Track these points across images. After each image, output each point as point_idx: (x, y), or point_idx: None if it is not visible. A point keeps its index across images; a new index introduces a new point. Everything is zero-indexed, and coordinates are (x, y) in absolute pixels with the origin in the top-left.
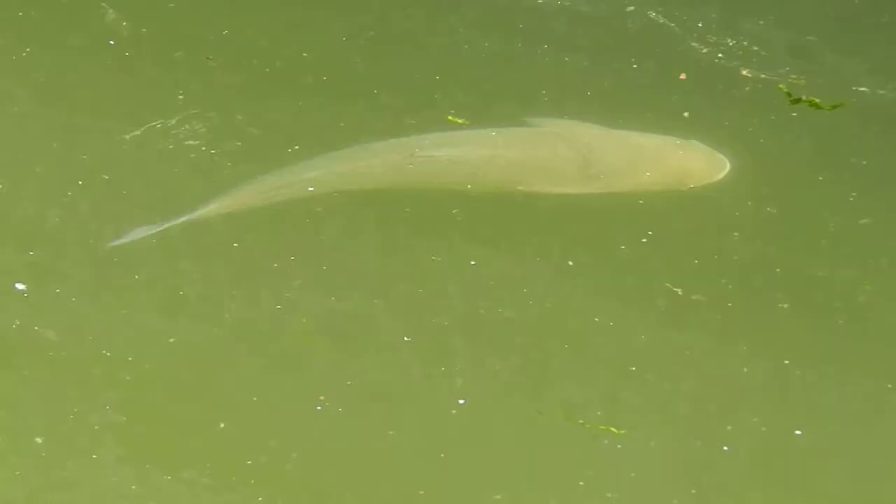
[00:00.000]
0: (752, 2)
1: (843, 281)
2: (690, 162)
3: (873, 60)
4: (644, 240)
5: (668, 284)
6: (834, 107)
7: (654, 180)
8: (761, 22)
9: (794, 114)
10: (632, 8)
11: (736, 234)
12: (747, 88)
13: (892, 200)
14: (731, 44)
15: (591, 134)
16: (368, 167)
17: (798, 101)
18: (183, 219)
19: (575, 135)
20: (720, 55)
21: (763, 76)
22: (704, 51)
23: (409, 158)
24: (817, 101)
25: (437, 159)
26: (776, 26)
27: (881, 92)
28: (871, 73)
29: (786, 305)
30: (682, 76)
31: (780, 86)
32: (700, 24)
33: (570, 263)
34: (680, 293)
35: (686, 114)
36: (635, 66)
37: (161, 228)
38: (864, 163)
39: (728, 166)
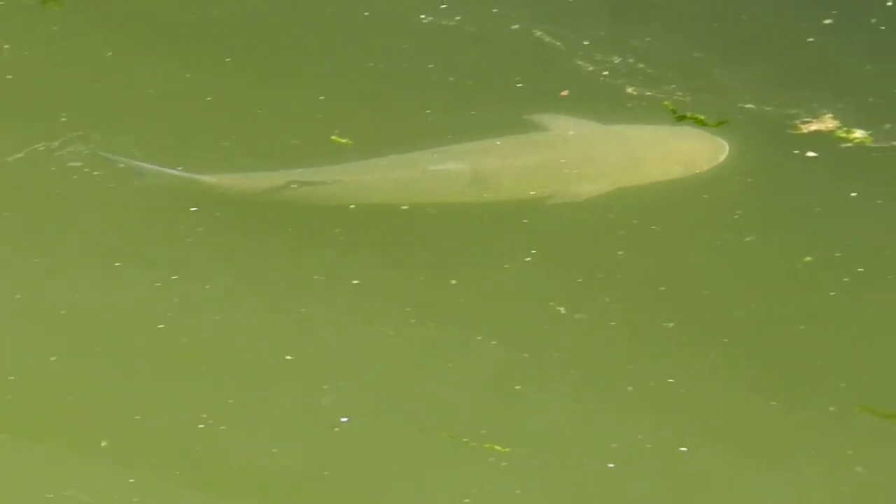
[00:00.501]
0: (639, 20)
1: (728, 298)
2: (692, 148)
3: (759, 77)
4: (528, 258)
5: (551, 303)
6: (719, 123)
7: (662, 170)
8: (647, 39)
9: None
10: (517, 26)
11: (621, 252)
12: (631, 105)
13: (777, 218)
14: (616, 62)
15: (591, 132)
16: (379, 181)
17: (683, 117)
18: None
19: (577, 135)
20: (605, 73)
21: (648, 93)
22: (590, 69)
23: (420, 173)
24: (703, 118)
25: (448, 173)
26: (662, 43)
27: (767, 108)
28: (756, 89)
29: (671, 324)
30: (564, 93)
31: (666, 103)
32: (586, 43)
33: (454, 282)
34: (563, 312)
35: (571, 132)
36: (520, 84)
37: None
38: (750, 180)
39: (728, 148)
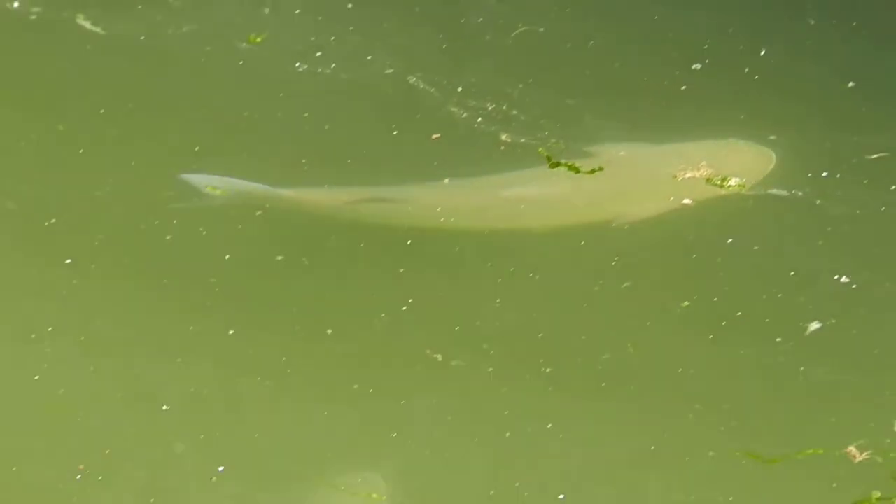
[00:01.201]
0: (513, 66)
1: (605, 344)
2: (744, 160)
3: (632, 122)
4: (404, 307)
5: (427, 351)
6: (593, 171)
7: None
8: (521, 86)
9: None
10: (391, 72)
11: (498, 300)
12: (503, 149)
13: (654, 264)
14: (490, 108)
15: (644, 151)
16: (456, 204)
17: (557, 164)
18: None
19: (629, 155)
20: (480, 119)
21: (523, 140)
22: (464, 115)
23: (494, 199)
24: (577, 164)
25: (523, 198)
26: (536, 90)
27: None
28: (630, 134)
29: (548, 369)
30: (435, 136)
31: (540, 149)
32: (460, 89)
33: (329, 332)
34: (440, 359)
35: (446, 180)
36: (395, 132)
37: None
38: (626, 227)
39: (774, 157)
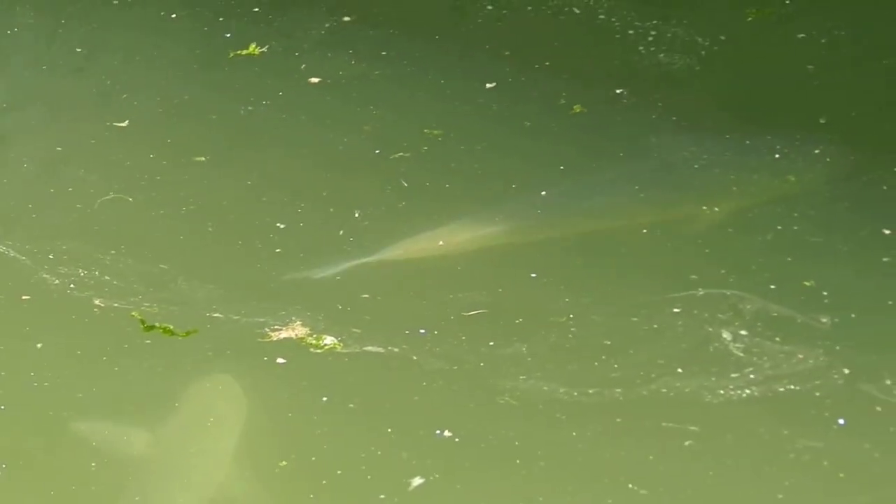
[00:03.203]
0: (99, 235)
1: None
2: None
3: (224, 288)
4: None
5: None
6: (188, 333)
7: None
8: (113, 252)
9: (148, 341)
10: None
11: None
12: (98, 314)
13: (248, 421)
14: (82, 274)
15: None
16: None
17: (152, 328)
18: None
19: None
20: (72, 286)
21: (116, 305)
22: (56, 282)
23: None
24: (171, 327)
25: None
26: (129, 256)
27: (235, 317)
28: (223, 300)
29: None
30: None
31: (134, 313)
32: (51, 257)
33: None
34: None
35: (39, 345)
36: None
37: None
38: (220, 387)
39: None
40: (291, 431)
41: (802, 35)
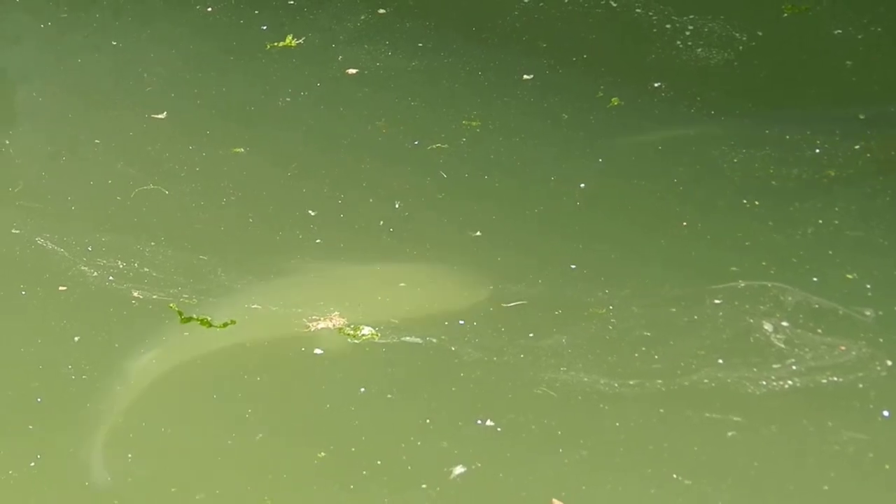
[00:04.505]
0: (138, 226)
1: (244, 498)
2: None
3: (265, 278)
4: None
5: None
6: (225, 325)
7: None
8: (153, 244)
9: (187, 333)
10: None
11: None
12: (138, 307)
13: (290, 414)
14: (121, 266)
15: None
16: None
17: (189, 319)
18: None
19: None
20: (111, 278)
21: (155, 297)
22: (95, 274)
23: None
24: (209, 318)
25: None
26: (168, 247)
27: (274, 308)
28: (261, 292)
29: None
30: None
31: (172, 305)
32: (90, 248)
33: None
34: None
35: (77, 338)
36: (24, 292)
37: None
38: (259, 378)
39: None
40: (329, 422)
41: (839, 31)
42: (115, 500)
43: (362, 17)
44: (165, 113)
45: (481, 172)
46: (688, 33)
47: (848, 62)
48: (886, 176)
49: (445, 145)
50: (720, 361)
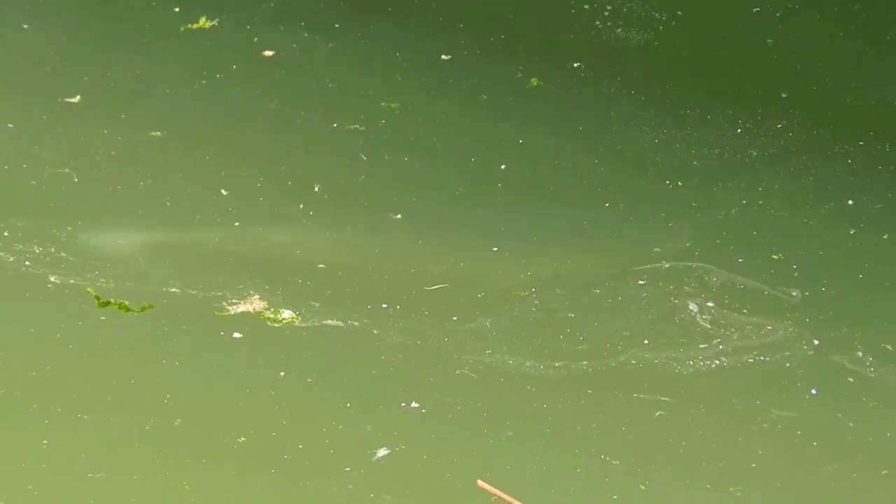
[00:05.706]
0: (54, 211)
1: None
2: None
3: (183, 261)
4: None
5: None
6: (143, 308)
7: None
8: (69, 228)
9: (104, 318)
10: None
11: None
12: (53, 290)
13: (201, 398)
14: (38, 251)
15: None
16: None
17: (107, 304)
18: None
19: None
20: (27, 262)
21: (72, 281)
22: (11, 259)
23: None
24: (126, 303)
25: None
26: (85, 231)
27: (192, 292)
28: (180, 274)
29: None
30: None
31: (90, 289)
32: (6, 234)
33: None
34: None
35: None
36: None
37: None
38: (176, 363)
39: None
40: (249, 407)
41: (758, 9)
42: (29, 485)
43: None
44: (79, 97)
45: (401, 154)
46: (606, 13)
47: (769, 40)
48: (810, 155)
49: (364, 127)
50: (646, 342)
